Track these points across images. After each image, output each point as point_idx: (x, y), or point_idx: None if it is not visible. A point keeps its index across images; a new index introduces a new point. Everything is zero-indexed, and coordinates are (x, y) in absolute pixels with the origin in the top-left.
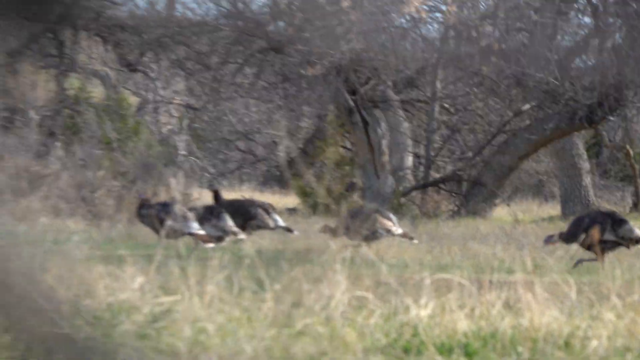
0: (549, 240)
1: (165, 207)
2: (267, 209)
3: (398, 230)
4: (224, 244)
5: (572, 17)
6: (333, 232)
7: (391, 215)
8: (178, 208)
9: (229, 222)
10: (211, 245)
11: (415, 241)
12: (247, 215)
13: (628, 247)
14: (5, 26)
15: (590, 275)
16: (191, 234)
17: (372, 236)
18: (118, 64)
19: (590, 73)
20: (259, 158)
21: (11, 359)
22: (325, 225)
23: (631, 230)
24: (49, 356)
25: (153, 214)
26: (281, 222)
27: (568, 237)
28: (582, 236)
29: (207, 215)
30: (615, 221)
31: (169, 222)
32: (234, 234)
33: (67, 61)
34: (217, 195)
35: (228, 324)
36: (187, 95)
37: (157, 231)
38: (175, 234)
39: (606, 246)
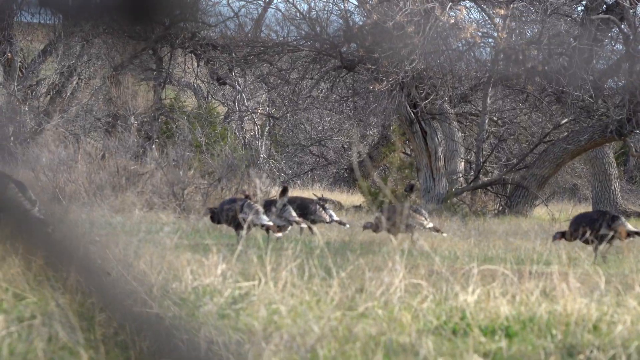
0: (555, 237)
1: (241, 203)
2: (324, 205)
3: (429, 224)
4: (287, 232)
5: (606, 44)
6: (374, 227)
7: (423, 211)
8: (251, 203)
9: (293, 213)
10: (279, 234)
11: (445, 234)
12: (306, 210)
13: (622, 240)
14: (112, 43)
15: (617, 267)
16: (263, 225)
17: (407, 229)
18: (209, 77)
19: (621, 92)
20: (329, 161)
21: (105, 336)
22: (366, 222)
23: (623, 224)
24: (139, 333)
25: (235, 209)
26: (335, 217)
27: (568, 235)
28: (581, 232)
29: (270, 209)
30: (609, 218)
31: (249, 216)
32: (297, 223)
33: (164, 74)
34: (284, 191)
35: (299, 307)
36: (269, 106)
37: (233, 224)
38: (250, 225)
39: (603, 239)
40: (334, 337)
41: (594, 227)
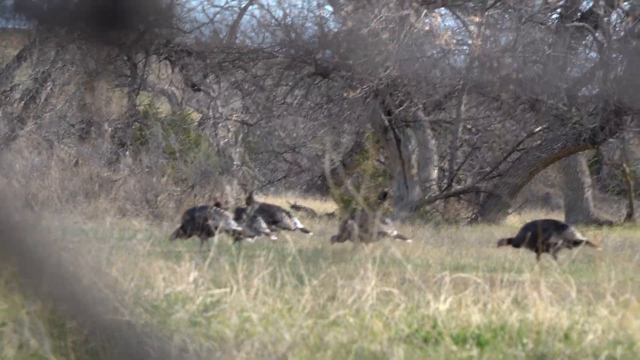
0: (501, 243)
1: (210, 210)
2: (289, 213)
3: (394, 232)
4: (253, 241)
5: (581, 52)
6: (340, 239)
7: (387, 220)
8: (220, 210)
9: (263, 225)
10: (251, 240)
11: (409, 241)
12: (273, 218)
13: (570, 248)
14: (86, 49)
15: (588, 276)
16: (234, 231)
17: (372, 238)
18: (183, 84)
19: (595, 100)
20: (303, 169)
21: (76, 343)
22: (333, 236)
23: (572, 234)
24: (110, 341)
25: (205, 216)
26: (300, 225)
27: (517, 242)
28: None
29: (241, 216)
30: (558, 227)
31: (219, 223)
32: (267, 234)
33: (139, 81)
34: (250, 197)
35: (270, 314)
36: (243, 112)
37: (204, 232)
38: (218, 231)
39: (551, 247)
40: (306, 345)
41: (543, 235)
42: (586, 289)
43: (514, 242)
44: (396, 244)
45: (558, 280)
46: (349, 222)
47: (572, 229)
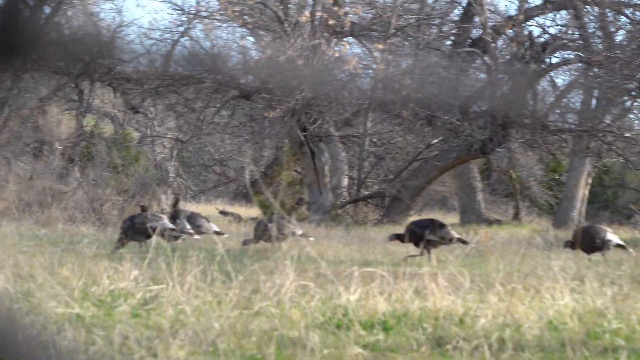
0: (391, 238)
1: (147, 215)
2: (207, 218)
3: (299, 231)
4: (180, 241)
5: (471, 74)
6: (252, 241)
7: (293, 220)
8: (156, 213)
9: (187, 226)
10: (179, 241)
11: (312, 239)
12: (195, 223)
13: (447, 244)
14: (38, 77)
15: (480, 268)
16: (171, 229)
17: (281, 238)
18: (124, 107)
19: (484, 116)
20: (230, 179)
21: (28, 336)
22: (244, 239)
23: (448, 232)
24: (61, 332)
25: (143, 221)
26: (216, 228)
27: (402, 238)
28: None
29: (175, 221)
30: (437, 226)
31: (156, 224)
32: (190, 234)
33: (85, 105)
34: (176, 202)
35: (202, 307)
36: (177, 131)
37: (144, 235)
38: (157, 232)
39: (430, 244)
40: (233, 333)
41: (423, 232)
42: (478, 279)
43: (401, 238)
44: (311, 244)
45: (453, 273)
46: (269, 225)
47: (449, 228)
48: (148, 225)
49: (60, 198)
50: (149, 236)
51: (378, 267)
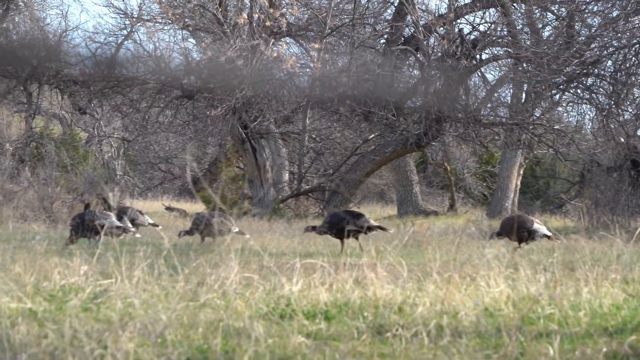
0: (307, 229)
1: (95, 212)
2: (141, 211)
3: (236, 229)
4: (122, 236)
5: (405, 71)
6: (187, 233)
7: (230, 218)
8: (103, 211)
9: (128, 223)
10: (121, 237)
11: (247, 235)
12: (130, 216)
13: (366, 233)
14: None
15: (418, 258)
16: (118, 227)
17: (219, 233)
18: (72, 108)
19: (418, 111)
20: (175, 176)
21: None
22: (180, 231)
23: (366, 221)
24: (14, 326)
25: (92, 218)
26: (151, 221)
27: (321, 230)
28: (334, 229)
29: (123, 216)
30: (354, 216)
31: (104, 222)
32: (133, 232)
33: (34, 107)
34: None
35: (150, 299)
36: (123, 130)
37: (90, 233)
38: (104, 229)
39: (350, 233)
40: (180, 324)
41: (341, 223)
42: (416, 268)
43: (318, 230)
44: (254, 238)
45: (392, 263)
46: (210, 220)
47: (366, 217)
48: (97, 222)
49: (11, 197)
50: (97, 233)
51: (319, 259)
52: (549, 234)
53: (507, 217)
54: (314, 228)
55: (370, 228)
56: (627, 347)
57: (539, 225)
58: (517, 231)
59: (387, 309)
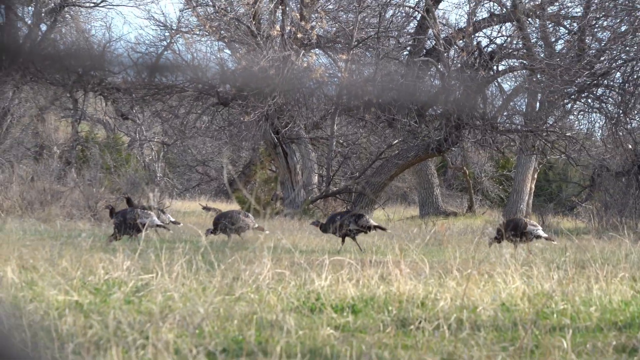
0: (314, 223)
1: (137, 212)
2: (164, 211)
3: (255, 225)
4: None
5: (427, 80)
6: (212, 231)
7: (250, 215)
8: (145, 211)
9: (170, 217)
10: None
11: (267, 232)
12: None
13: (366, 232)
14: (37, 89)
15: (438, 256)
16: (158, 225)
17: (239, 230)
18: (115, 114)
19: (439, 118)
20: (212, 178)
21: (32, 321)
22: (207, 229)
23: (367, 221)
24: (61, 318)
25: (134, 217)
26: (172, 219)
27: (324, 228)
28: (333, 227)
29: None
30: (356, 216)
31: (145, 220)
32: (168, 229)
33: (80, 112)
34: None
35: (188, 293)
36: (163, 135)
37: (135, 229)
38: (146, 227)
39: (351, 233)
40: (216, 317)
41: (343, 223)
42: (437, 266)
43: (322, 228)
44: (286, 237)
45: (415, 260)
46: (222, 221)
47: (367, 217)
48: (138, 221)
49: (59, 197)
50: (139, 230)
51: (346, 256)
52: (544, 235)
53: (502, 222)
54: (319, 224)
55: (370, 228)
56: (636, 341)
57: (533, 227)
58: (513, 233)
59: (410, 303)
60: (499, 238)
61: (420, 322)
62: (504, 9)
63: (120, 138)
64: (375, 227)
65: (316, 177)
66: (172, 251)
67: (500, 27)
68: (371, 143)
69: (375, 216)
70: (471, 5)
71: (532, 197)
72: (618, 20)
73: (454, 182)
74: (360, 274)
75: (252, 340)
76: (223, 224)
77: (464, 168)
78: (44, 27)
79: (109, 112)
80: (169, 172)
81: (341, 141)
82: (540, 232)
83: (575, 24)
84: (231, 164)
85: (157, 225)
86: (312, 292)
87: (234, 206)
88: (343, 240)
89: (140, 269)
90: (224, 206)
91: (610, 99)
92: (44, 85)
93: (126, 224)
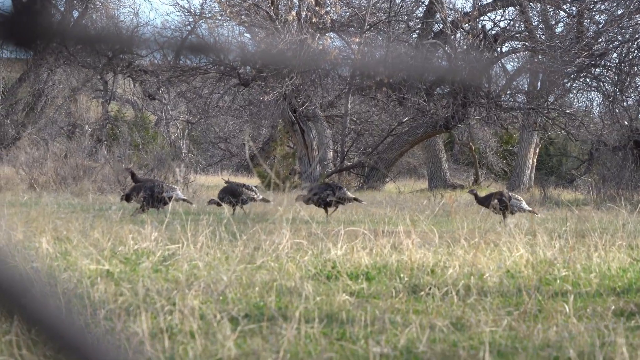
0: (298, 198)
1: (163, 186)
2: (174, 187)
3: (260, 197)
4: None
5: (435, 61)
6: (217, 204)
7: (253, 187)
8: (170, 185)
9: (180, 192)
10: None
11: (272, 203)
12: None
13: (344, 204)
14: (69, 71)
15: (447, 226)
16: (183, 199)
17: (243, 202)
18: (142, 94)
19: (446, 97)
20: (233, 154)
21: (67, 289)
22: (210, 199)
23: (345, 193)
24: (94, 286)
25: (160, 190)
26: (182, 196)
27: (307, 200)
28: (314, 199)
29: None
30: (334, 188)
31: (171, 193)
32: (179, 200)
33: (109, 93)
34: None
35: (212, 262)
36: (187, 114)
37: (158, 203)
38: (172, 200)
39: (330, 204)
40: (239, 284)
41: (322, 194)
42: (446, 235)
43: (304, 199)
44: (303, 209)
45: (425, 230)
46: (235, 191)
47: (344, 190)
48: (164, 194)
49: (90, 172)
50: (165, 204)
51: (360, 226)
52: (527, 208)
53: (488, 194)
54: (303, 197)
55: (348, 199)
56: (633, 305)
57: (516, 201)
58: (497, 204)
59: (420, 271)
60: (482, 201)
61: (430, 289)
62: None
63: (147, 117)
64: (352, 199)
65: (331, 152)
66: (197, 223)
67: (504, 11)
68: (383, 120)
69: (387, 189)
70: None
71: (534, 171)
72: (614, 4)
73: (461, 156)
74: (374, 243)
75: (272, 306)
76: (227, 197)
77: (470, 143)
78: (75, 14)
79: (137, 93)
80: (193, 148)
81: (354, 119)
82: (524, 205)
83: (574, 8)
84: (252, 140)
85: (182, 199)
86: (328, 261)
87: (255, 180)
88: (326, 211)
89: (167, 239)
90: (245, 180)
91: (607, 78)
92: (76, 68)
93: (153, 198)
